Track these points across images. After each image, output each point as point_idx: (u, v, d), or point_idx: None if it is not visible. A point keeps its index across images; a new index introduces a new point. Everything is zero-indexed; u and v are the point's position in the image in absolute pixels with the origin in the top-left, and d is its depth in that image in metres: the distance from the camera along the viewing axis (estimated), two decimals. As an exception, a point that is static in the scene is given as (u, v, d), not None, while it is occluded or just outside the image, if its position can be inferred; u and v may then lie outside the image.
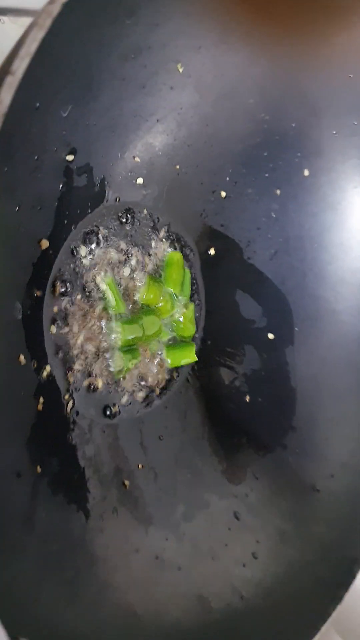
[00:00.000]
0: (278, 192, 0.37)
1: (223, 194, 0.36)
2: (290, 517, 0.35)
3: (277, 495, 0.36)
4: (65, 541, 0.27)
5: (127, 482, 0.33)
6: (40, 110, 0.23)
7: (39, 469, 0.27)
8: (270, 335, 0.39)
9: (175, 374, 0.37)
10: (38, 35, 0.15)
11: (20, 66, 0.14)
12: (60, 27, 0.16)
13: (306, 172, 0.37)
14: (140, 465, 0.34)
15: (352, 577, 0.32)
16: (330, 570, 0.33)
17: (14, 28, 0.30)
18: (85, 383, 0.31)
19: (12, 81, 0.14)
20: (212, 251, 0.38)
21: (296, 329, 0.39)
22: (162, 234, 0.35)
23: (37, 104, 0.22)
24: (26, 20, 0.30)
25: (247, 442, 0.38)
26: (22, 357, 0.27)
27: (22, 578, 0.23)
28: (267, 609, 0.31)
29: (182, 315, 0.35)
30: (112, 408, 0.33)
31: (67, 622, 0.24)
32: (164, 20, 0.26)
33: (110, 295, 0.32)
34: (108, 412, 0.33)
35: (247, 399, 0.39)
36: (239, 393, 0.39)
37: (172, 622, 0.29)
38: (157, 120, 0.31)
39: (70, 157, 0.27)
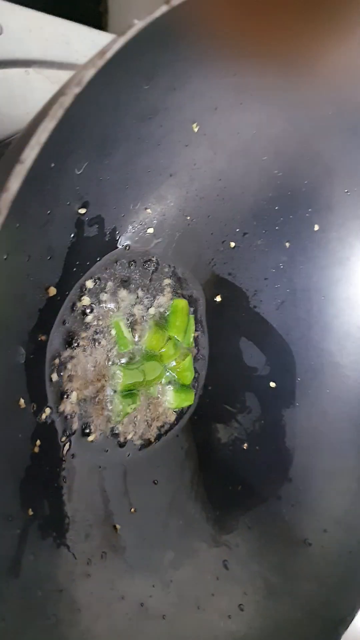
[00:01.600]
0: (287, 244, 0.38)
1: (232, 244, 0.37)
2: (280, 570, 0.35)
3: (268, 547, 0.36)
4: (49, 587, 0.27)
5: (118, 526, 0.33)
6: (55, 169, 0.24)
7: (30, 512, 0.27)
8: (272, 384, 0.40)
9: (173, 418, 0.37)
10: (49, 126, 0.15)
11: (30, 155, 0.15)
12: (74, 110, 0.17)
13: (316, 227, 0.37)
14: (132, 509, 0.34)
15: (338, 636, 0.32)
16: (316, 629, 0.33)
17: (38, 79, 0.31)
18: (84, 426, 0.32)
19: (21, 170, 0.15)
20: (218, 298, 0.38)
21: (298, 379, 0.40)
22: (169, 281, 0.35)
23: (52, 164, 0.23)
24: (50, 72, 0.31)
25: (241, 491, 0.38)
26: (22, 401, 0.28)
27: (2, 626, 0.23)
28: (250, 666, 0.31)
29: (181, 362, 0.36)
30: (108, 451, 0.33)
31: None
32: (181, 84, 0.27)
33: (117, 336, 0.33)
34: (104, 455, 0.33)
35: (245, 446, 0.39)
36: (237, 440, 0.39)
37: (152, 674, 0.29)
38: (170, 175, 0.31)
39: (82, 210, 0.28)
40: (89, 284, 0.31)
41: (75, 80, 0.16)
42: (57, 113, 0.15)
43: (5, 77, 0.30)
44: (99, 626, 0.29)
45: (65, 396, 0.31)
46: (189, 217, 0.34)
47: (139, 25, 0.17)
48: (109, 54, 0.16)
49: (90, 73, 0.16)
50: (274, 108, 0.32)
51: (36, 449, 0.29)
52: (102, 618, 0.29)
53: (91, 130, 0.24)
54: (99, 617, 0.29)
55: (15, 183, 0.15)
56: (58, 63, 0.32)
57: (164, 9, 0.18)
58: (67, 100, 0.16)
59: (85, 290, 0.31)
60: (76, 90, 0.16)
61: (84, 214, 0.28)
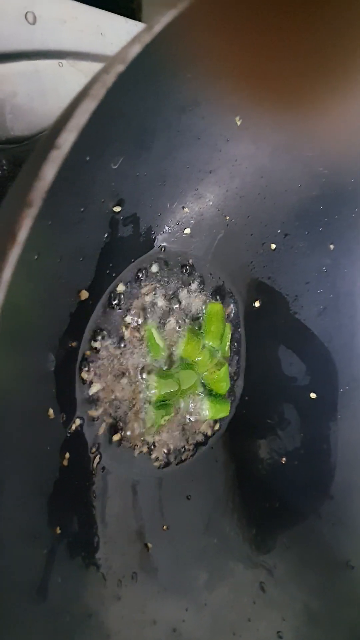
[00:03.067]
0: (331, 246, 0.36)
1: (273, 246, 0.35)
2: (321, 594, 0.33)
3: (308, 569, 0.34)
4: (78, 611, 0.25)
5: (150, 545, 0.31)
6: (90, 163, 0.22)
7: (58, 530, 0.26)
8: (313, 395, 0.37)
9: (207, 430, 0.35)
10: (90, 107, 0.14)
11: (68, 139, 0.13)
12: (115, 92, 0.15)
13: (363, 228, 0.35)
14: (164, 527, 0.32)
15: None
16: (360, 660, 0.31)
17: (71, 72, 0.30)
18: (115, 438, 0.30)
19: (57, 156, 0.13)
20: (257, 303, 0.36)
21: (341, 390, 0.37)
22: (206, 284, 0.33)
23: (87, 158, 0.21)
24: (84, 65, 0.30)
25: (279, 508, 0.36)
26: (51, 411, 0.26)
27: (28, 656, 0.22)
28: None
29: (217, 372, 0.33)
30: (139, 464, 0.31)
31: None
32: (226, 74, 0.25)
33: (150, 343, 0.31)
34: (135, 469, 0.31)
35: (283, 461, 0.37)
36: (275, 454, 0.37)
37: None
38: (210, 172, 0.29)
39: (117, 208, 0.26)
40: (122, 287, 0.29)
41: (119, 57, 0.14)
42: (98, 93, 0.14)
43: (37, 69, 0.28)
44: (130, 653, 0.27)
45: (96, 406, 0.29)
46: (228, 217, 0.32)
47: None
48: (157, 28, 0.15)
49: (135, 49, 0.14)
50: (319, 100, 0.30)
51: (65, 462, 0.27)
52: (133, 644, 0.27)
53: (130, 121, 0.22)
54: (129, 643, 0.27)
55: (50, 171, 0.13)
56: (92, 55, 0.30)
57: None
58: (109, 79, 0.14)
59: (118, 294, 0.29)
60: (120, 67, 0.14)
61: (119, 212, 0.26)
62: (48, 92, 0.28)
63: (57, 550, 0.25)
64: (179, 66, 0.22)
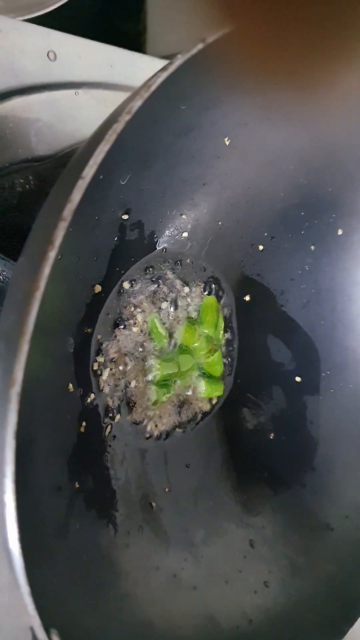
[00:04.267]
0: (312, 247, 0.40)
1: (260, 247, 0.40)
2: (304, 552, 0.37)
3: (292, 529, 0.39)
4: (93, 552, 0.30)
5: (153, 504, 0.36)
6: (103, 181, 0.27)
7: (77, 485, 0.31)
8: (298, 379, 0.42)
9: (204, 408, 0.40)
10: (105, 148, 0.19)
11: (89, 173, 0.18)
12: (124, 134, 0.20)
13: (340, 232, 0.40)
14: (166, 489, 0.37)
15: (357, 613, 0.34)
16: (337, 606, 0.35)
17: (86, 99, 0.35)
18: (123, 411, 0.35)
19: (82, 184, 0.18)
20: (247, 297, 0.41)
21: (323, 374, 0.42)
22: (202, 280, 0.38)
23: (101, 176, 0.27)
24: (96, 92, 0.35)
25: (268, 478, 0.41)
26: (70, 386, 0.31)
27: (55, 580, 0.26)
28: (273, 635, 0.34)
29: (211, 356, 0.39)
30: (145, 435, 0.37)
31: (91, 624, 0.28)
32: (214, 104, 0.30)
33: (153, 331, 0.36)
34: (140, 438, 0.36)
35: (271, 436, 0.41)
36: (264, 430, 0.42)
37: (184, 636, 0.32)
38: (204, 184, 0.34)
39: (125, 216, 0.31)
40: (128, 283, 0.34)
41: (126, 109, 0.19)
42: (111, 137, 0.19)
43: (57, 98, 0.33)
44: (138, 591, 0.32)
45: (107, 383, 0.34)
46: (220, 222, 0.37)
47: (178, 61, 0.20)
48: (153, 87, 0.20)
49: (138, 103, 0.20)
50: (299, 123, 0.35)
51: (82, 429, 0.32)
52: (140, 585, 0.32)
53: (134, 147, 0.27)
54: (137, 583, 0.32)
55: (77, 195, 0.18)
56: (104, 84, 0.35)
57: (200, 46, 0.21)
58: (119, 127, 0.19)
59: (125, 288, 0.34)
60: (127, 117, 0.19)
61: (127, 219, 0.31)
62: (66, 118, 0.34)
63: (76, 502, 0.30)
64: (173, 103, 0.27)
